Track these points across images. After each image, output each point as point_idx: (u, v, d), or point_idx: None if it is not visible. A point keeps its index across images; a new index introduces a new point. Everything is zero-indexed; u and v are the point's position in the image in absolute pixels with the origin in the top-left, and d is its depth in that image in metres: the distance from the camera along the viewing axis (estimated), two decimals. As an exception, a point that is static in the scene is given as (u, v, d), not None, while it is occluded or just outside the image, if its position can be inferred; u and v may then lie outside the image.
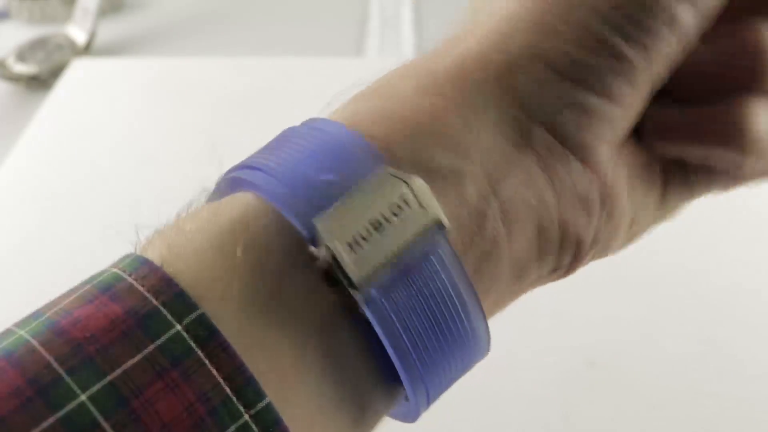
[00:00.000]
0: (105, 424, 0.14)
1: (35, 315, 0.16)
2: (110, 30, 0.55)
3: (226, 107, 0.44)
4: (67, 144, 0.41)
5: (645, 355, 0.29)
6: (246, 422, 0.15)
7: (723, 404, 0.28)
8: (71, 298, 0.16)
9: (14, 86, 0.49)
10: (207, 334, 0.16)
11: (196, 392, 0.15)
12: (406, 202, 0.16)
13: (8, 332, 0.16)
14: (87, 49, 0.52)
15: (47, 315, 0.16)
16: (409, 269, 0.16)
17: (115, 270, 0.17)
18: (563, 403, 0.28)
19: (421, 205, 0.16)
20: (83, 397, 0.14)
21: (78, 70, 0.47)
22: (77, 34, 0.52)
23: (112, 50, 0.53)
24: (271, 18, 0.57)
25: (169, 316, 0.16)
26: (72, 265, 0.33)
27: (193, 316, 0.16)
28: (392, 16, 0.56)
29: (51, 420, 0.14)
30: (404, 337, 0.16)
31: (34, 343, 0.15)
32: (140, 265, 0.17)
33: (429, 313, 0.17)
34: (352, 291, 0.15)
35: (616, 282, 0.33)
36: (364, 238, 0.15)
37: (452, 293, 0.17)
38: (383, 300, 0.16)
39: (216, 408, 0.15)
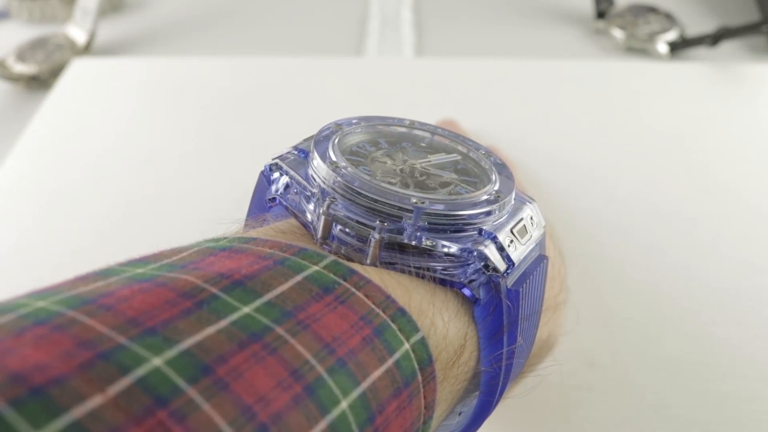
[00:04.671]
0: None
1: (243, 287, 0.15)
2: (110, 30, 0.55)
3: (226, 107, 0.44)
4: (67, 143, 0.41)
5: (645, 355, 0.29)
6: None
7: (723, 404, 0.28)
8: (287, 286, 0.15)
9: (14, 86, 0.49)
10: (427, 359, 0.16)
11: (412, 417, 0.16)
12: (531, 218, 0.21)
13: (112, 269, 0.15)
14: (87, 49, 0.52)
15: (268, 298, 0.15)
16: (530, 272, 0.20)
17: (318, 268, 0.16)
18: (564, 404, 0.28)
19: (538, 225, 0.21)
20: (247, 310, 0.14)
21: (78, 70, 0.47)
22: (77, 34, 0.52)
23: (112, 50, 0.53)
24: (271, 18, 0.57)
25: (399, 334, 0.16)
26: (72, 265, 0.33)
27: (417, 337, 0.16)
28: (392, 16, 0.56)
29: (321, 425, 0.14)
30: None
31: (172, 274, 0.14)
32: (350, 273, 0.17)
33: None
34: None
35: (616, 282, 0.33)
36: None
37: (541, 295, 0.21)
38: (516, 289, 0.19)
39: None
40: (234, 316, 0.14)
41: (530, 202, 0.21)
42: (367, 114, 0.23)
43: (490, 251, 0.18)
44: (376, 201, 0.18)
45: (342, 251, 0.18)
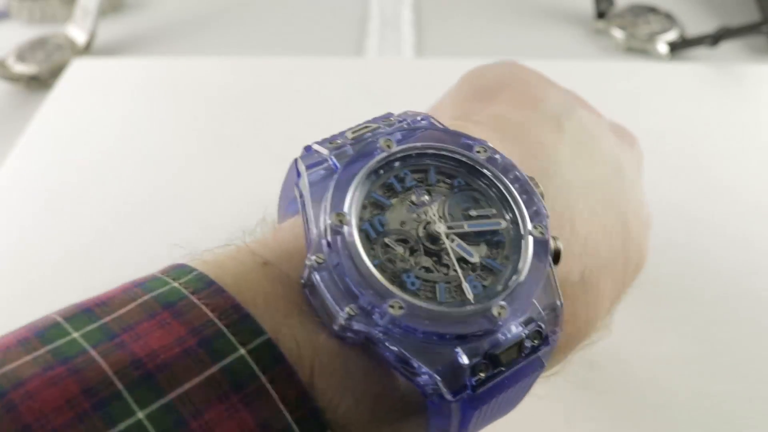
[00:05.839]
0: None
1: (87, 313, 0.16)
2: (110, 30, 0.55)
3: (227, 107, 0.44)
4: (67, 144, 0.41)
5: (645, 355, 0.29)
6: None
7: (723, 404, 0.28)
8: (129, 308, 0.16)
9: (14, 86, 0.49)
10: (272, 360, 0.16)
11: (256, 420, 0.15)
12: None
13: (58, 327, 0.15)
14: (87, 49, 0.52)
15: (105, 321, 0.15)
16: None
17: (176, 285, 0.16)
18: (564, 404, 0.28)
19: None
20: (141, 415, 0.14)
21: (78, 70, 0.47)
22: (77, 34, 0.52)
23: (112, 50, 0.53)
24: (271, 18, 0.57)
25: (233, 339, 0.15)
26: (72, 265, 0.33)
27: (259, 341, 0.16)
28: (392, 16, 0.56)
29: None
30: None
31: (93, 353, 0.15)
32: (204, 285, 0.16)
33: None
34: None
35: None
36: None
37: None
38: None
39: None
40: (123, 425, 0.14)
41: (551, 308, 0.18)
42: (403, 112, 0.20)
43: (452, 375, 0.16)
44: (354, 287, 0.16)
45: (319, 305, 0.17)
